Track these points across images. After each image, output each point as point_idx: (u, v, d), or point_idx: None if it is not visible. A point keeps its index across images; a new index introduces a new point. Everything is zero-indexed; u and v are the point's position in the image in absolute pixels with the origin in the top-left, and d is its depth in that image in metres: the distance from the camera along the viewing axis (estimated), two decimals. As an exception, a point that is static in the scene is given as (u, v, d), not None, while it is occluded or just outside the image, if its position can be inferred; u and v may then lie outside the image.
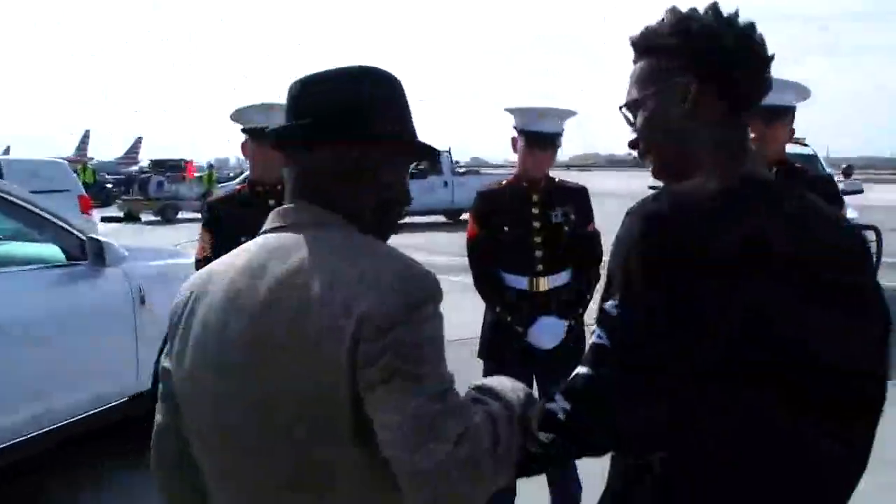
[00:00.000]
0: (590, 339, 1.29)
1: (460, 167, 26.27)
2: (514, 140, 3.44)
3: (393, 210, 1.40)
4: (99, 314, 4.47)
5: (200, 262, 3.40)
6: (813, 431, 1.28)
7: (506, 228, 3.41)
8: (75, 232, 4.54)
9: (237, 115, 3.38)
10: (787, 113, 3.10)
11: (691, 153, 1.40)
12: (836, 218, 1.48)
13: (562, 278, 3.43)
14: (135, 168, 40.36)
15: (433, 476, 1.13)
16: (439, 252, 15.02)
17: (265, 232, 1.35)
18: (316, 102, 1.34)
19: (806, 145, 10.00)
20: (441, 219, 22.26)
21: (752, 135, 3.32)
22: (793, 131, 3.20)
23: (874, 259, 1.50)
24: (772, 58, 1.41)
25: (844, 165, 15.90)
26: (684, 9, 1.42)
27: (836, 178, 6.80)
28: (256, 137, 3.28)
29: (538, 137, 3.36)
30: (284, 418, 1.23)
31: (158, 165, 34.18)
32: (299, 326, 1.21)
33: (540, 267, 3.40)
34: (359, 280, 1.21)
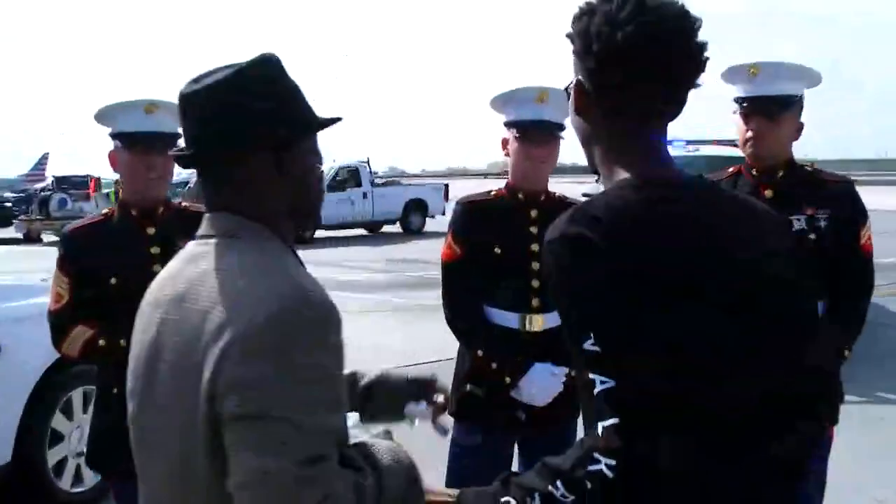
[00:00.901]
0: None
1: (379, 178, 25.33)
2: (504, 141, 2.75)
3: (307, 203, 1.38)
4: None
5: (55, 317, 2.52)
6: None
7: (497, 251, 2.69)
8: None
9: (104, 117, 2.53)
10: (792, 104, 2.56)
11: (589, 152, 1.38)
12: (763, 208, 1.41)
13: (558, 317, 2.78)
14: (39, 185, 38.37)
15: None
16: (361, 268, 14.41)
17: (196, 238, 1.34)
18: (202, 116, 1.31)
19: (736, 146, 9.70)
20: (362, 232, 21.63)
21: (749, 133, 2.75)
22: (801, 125, 2.64)
23: None
24: (689, 55, 1.25)
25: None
26: None
27: None
28: (131, 145, 2.47)
29: (538, 128, 2.65)
30: (169, 436, 1.23)
31: (62, 182, 32.46)
32: (180, 343, 1.21)
33: (535, 302, 2.69)
34: (237, 300, 1.17)
